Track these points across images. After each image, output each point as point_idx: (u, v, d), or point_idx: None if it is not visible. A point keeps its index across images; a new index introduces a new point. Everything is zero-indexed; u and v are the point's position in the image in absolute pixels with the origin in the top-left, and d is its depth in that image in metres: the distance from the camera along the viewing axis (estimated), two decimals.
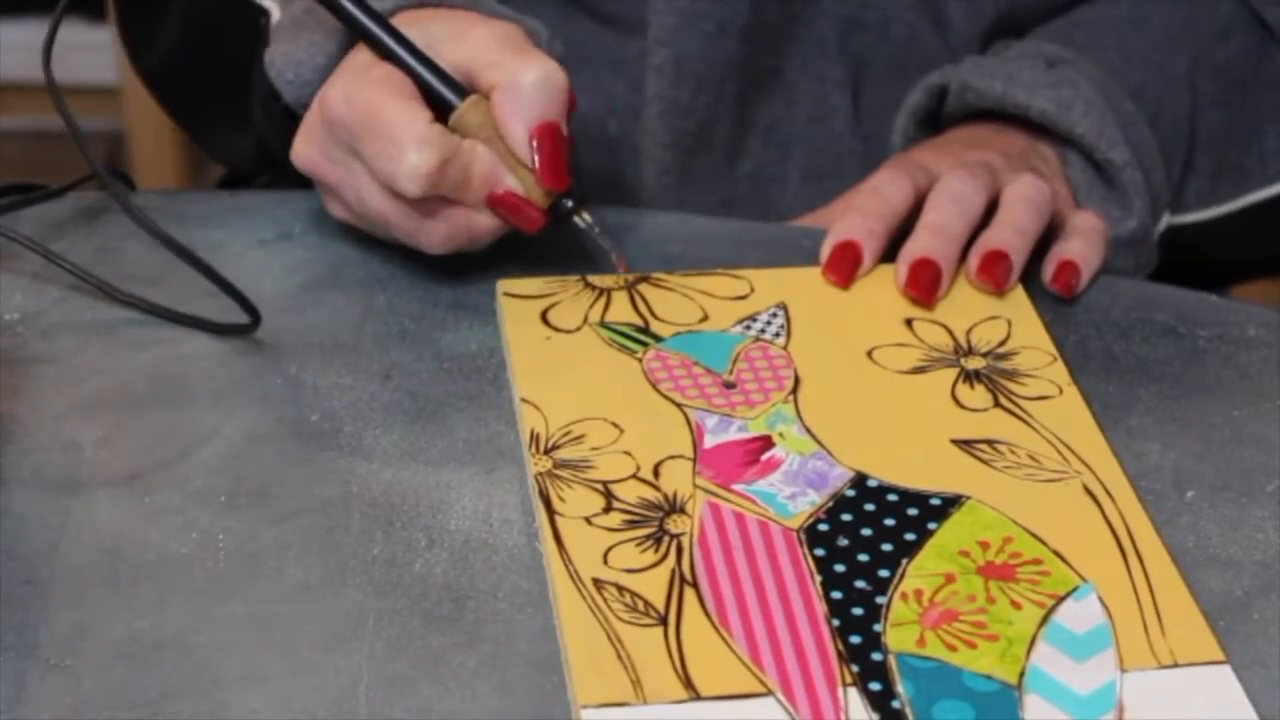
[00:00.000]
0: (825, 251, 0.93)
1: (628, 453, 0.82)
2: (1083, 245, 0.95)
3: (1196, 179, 1.05)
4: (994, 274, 0.92)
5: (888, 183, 0.95)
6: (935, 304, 0.91)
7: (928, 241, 0.92)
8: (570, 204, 0.90)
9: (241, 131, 1.03)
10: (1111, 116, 1.00)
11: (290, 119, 0.94)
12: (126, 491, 0.81)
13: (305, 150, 0.91)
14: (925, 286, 0.91)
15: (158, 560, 0.78)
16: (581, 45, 1.07)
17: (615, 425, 0.83)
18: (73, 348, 0.88)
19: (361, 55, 0.91)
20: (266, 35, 0.97)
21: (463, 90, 0.89)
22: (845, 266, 0.92)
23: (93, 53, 2.36)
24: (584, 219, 0.91)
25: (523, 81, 0.88)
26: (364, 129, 0.87)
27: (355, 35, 0.91)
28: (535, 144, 0.88)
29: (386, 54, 0.90)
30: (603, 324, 0.89)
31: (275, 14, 0.98)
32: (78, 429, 0.84)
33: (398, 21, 0.91)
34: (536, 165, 0.88)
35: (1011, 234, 0.93)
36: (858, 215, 0.94)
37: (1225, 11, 1.06)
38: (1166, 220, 1.04)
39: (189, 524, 0.80)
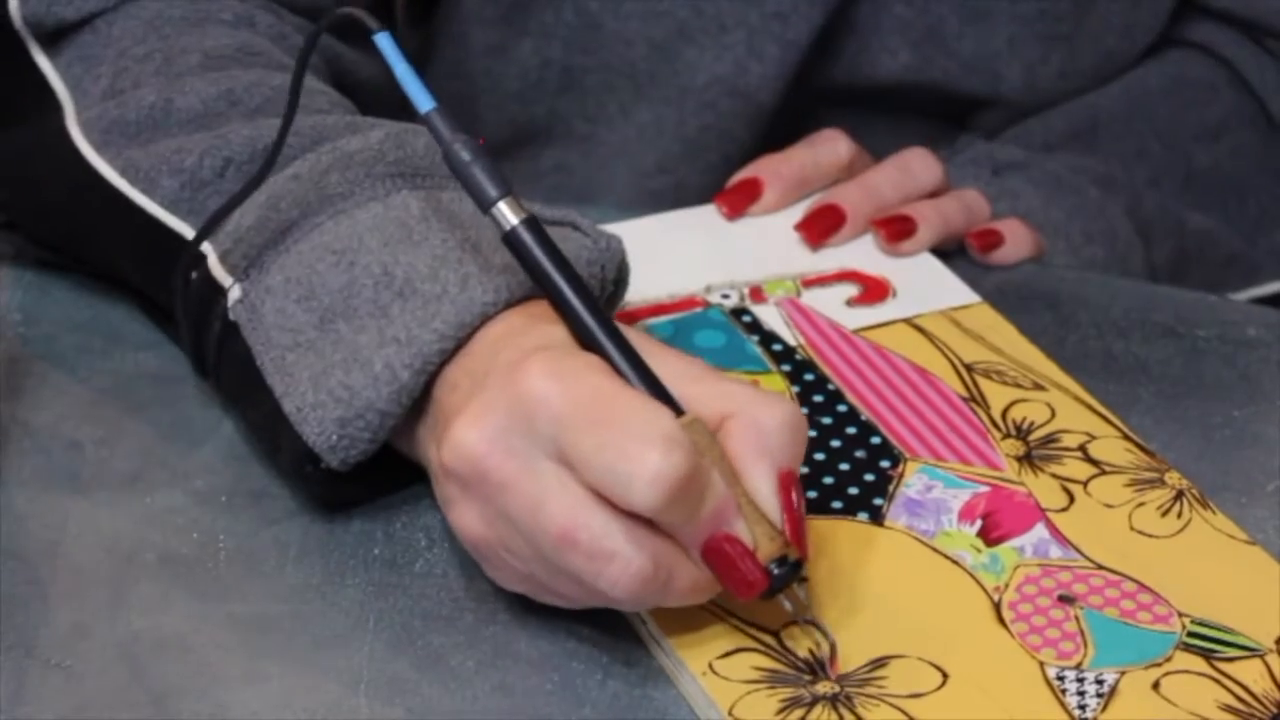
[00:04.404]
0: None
1: None
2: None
3: (1206, 268, 1.06)
4: (890, 228, 0.95)
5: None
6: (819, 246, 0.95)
7: (848, 193, 0.96)
8: (783, 573, 0.71)
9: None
10: (1054, 223, 1.01)
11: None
12: (127, 491, 0.81)
13: (474, 438, 0.70)
14: (819, 229, 0.95)
15: (158, 560, 0.78)
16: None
17: None
18: (73, 348, 0.88)
19: (550, 331, 0.74)
20: (214, 308, 0.80)
21: (677, 406, 0.72)
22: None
23: None
24: (799, 598, 0.75)
25: (768, 419, 0.71)
26: (587, 416, 0.69)
27: (570, 325, 0.73)
28: (781, 495, 0.71)
29: (597, 347, 0.73)
30: None
31: (233, 294, 0.80)
32: (78, 429, 0.84)
33: (519, 320, 0.75)
34: (783, 518, 0.71)
35: (930, 209, 0.96)
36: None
37: (1222, 108, 1.06)
38: None
39: (189, 524, 0.80)
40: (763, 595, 0.71)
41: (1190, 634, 0.75)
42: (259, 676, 0.73)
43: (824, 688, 0.72)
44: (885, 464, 0.82)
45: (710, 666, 0.73)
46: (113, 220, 0.85)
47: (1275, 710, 0.72)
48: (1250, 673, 0.73)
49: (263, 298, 0.79)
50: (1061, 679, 0.73)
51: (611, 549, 0.69)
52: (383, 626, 0.75)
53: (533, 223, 0.73)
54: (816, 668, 0.73)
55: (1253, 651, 0.74)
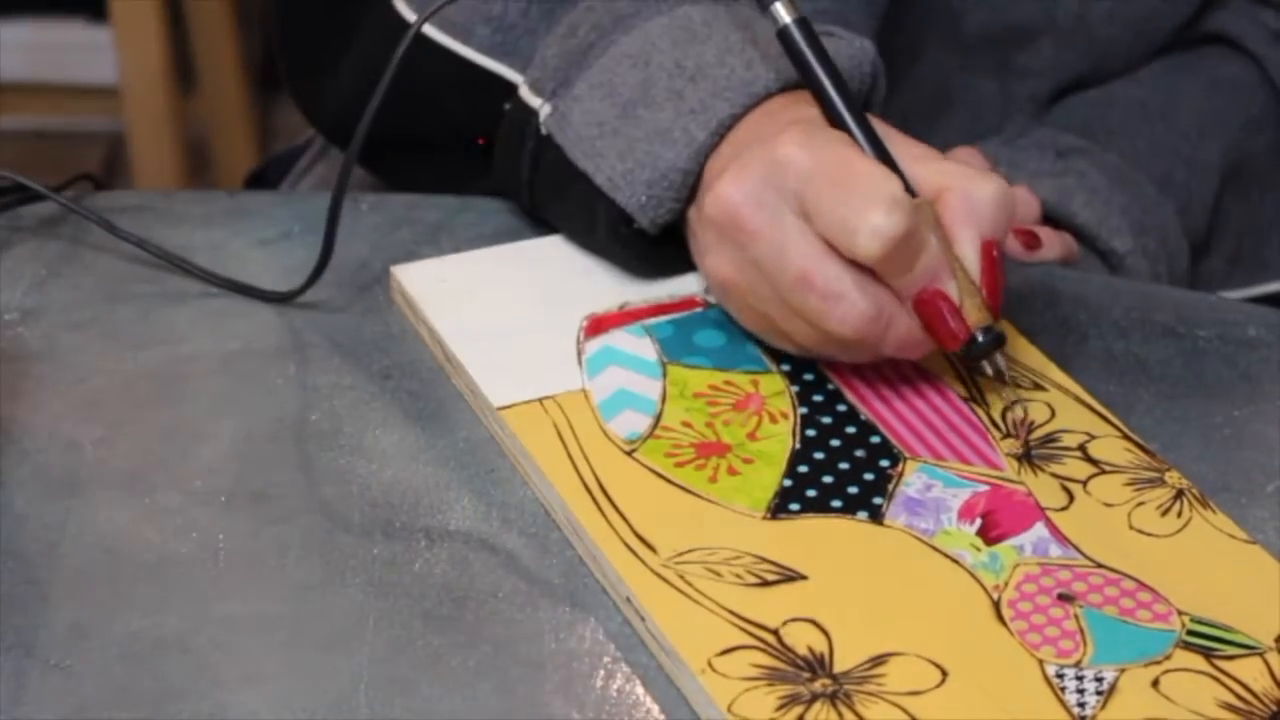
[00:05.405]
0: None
1: None
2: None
3: (1213, 259, 1.06)
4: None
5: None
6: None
7: None
8: (986, 340, 0.83)
9: (429, 166, 0.99)
10: (1119, 205, 1.01)
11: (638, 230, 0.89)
12: (126, 491, 0.81)
13: (732, 192, 0.83)
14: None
15: (158, 560, 0.78)
16: None
17: None
18: (73, 348, 0.88)
19: (807, 111, 0.86)
20: (526, 129, 0.91)
21: (907, 181, 0.83)
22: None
23: (93, 53, 2.36)
24: (998, 363, 0.85)
25: (979, 192, 0.82)
26: (828, 176, 0.81)
27: (824, 108, 0.85)
28: (983, 259, 0.82)
29: (844, 126, 0.85)
30: None
31: (544, 111, 0.91)
32: (78, 429, 0.84)
33: (778, 104, 0.87)
34: (981, 279, 0.82)
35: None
36: None
37: (1259, 103, 1.07)
38: None
39: (189, 524, 0.80)
40: (964, 355, 0.83)
41: (1190, 632, 0.75)
42: (259, 676, 0.73)
43: (822, 685, 0.72)
44: (885, 463, 0.82)
45: (709, 664, 0.73)
46: (436, 74, 0.93)
47: (1275, 708, 0.72)
48: (1250, 671, 0.73)
49: (570, 106, 0.90)
50: (1061, 677, 0.73)
51: (840, 291, 0.81)
52: (383, 626, 0.75)
53: (804, 22, 0.85)
54: (815, 665, 0.73)
55: (1252, 650, 0.74)
